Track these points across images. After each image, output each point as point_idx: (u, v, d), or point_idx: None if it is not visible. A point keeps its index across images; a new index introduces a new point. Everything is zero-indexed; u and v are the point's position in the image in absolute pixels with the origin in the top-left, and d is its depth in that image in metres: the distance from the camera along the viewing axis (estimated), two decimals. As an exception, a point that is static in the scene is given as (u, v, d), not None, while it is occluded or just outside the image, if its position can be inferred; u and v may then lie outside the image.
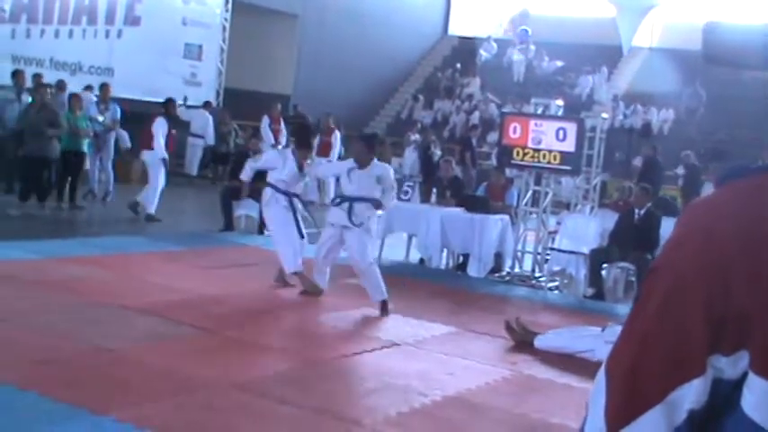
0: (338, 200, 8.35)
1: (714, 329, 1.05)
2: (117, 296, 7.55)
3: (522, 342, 7.29)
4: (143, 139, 13.13)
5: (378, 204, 8.21)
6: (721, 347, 1.06)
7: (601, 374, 1.14)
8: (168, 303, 7.51)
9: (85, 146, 12.94)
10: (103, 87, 14.41)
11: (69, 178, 12.79)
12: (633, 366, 1.11)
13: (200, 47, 19.82)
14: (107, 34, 17.82)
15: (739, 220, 1.07)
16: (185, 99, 17.80)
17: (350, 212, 8.10)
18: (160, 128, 12.81)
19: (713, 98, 22.99)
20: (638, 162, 18.60)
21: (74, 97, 13.15)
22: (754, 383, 1.04)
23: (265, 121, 18.47)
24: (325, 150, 16.75)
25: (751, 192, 1.09)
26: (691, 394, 1.07)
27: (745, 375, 1.06)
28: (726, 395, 1.06)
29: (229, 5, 20.34)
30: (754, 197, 1.08)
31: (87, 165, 13.77)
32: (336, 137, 17.34)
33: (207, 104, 18.77)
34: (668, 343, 1.09)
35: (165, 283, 8.34)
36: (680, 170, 18.73)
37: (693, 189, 16.88)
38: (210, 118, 18.67)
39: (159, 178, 12.78)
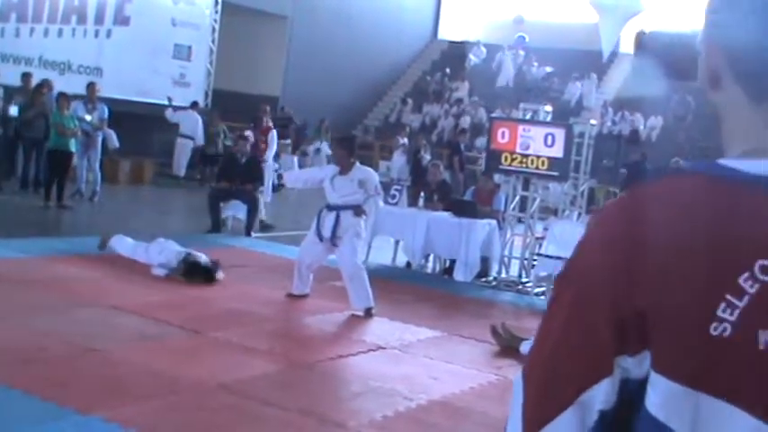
0: (324, 209, 8.30)
1: (617, 330, 1.07)
2: (104, 296, 7.55)
3: (508, 347, 7.33)
4: None
5: (360, 211, 8.16)
6: (626, 348, 1.07)
7: (518, 378, 1.16)
8: (155, 304, 7.51)
9: (73, 145, 12.92)
10: (90, 87, 14.39)
11: (57, 178, 12.76)
12: (546, 370, 1.14)
13: (190, 47, 19.81)
14: (96, 34, 17.80)
15: (637, 224, 1.09)
16: (170, 100, 17.75)
17: (336, 224, 8.08)
18: None
19: (701, 105, 23.11)
20: (624, 169, 18.70)
21: (61, 97, 13.14)
22: (656, 382, 1.06)
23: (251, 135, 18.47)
24: (259, 151, 14.95)
25: (653, 195, 1.11)
26: (600, 395, 1.09)
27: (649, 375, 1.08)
28: (633, 395, 1.08)
29: (219, 6, 20.34)
30: (654, 201, 1.11)
31: (75, 164, 13.74)
32: (273, 136, 15.29)
33: (194, 105, 18.76)
34: (577, 345, 1.11)
35: (152, 284, 8.34)
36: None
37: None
38: (200, 119, 18.66)
39: None
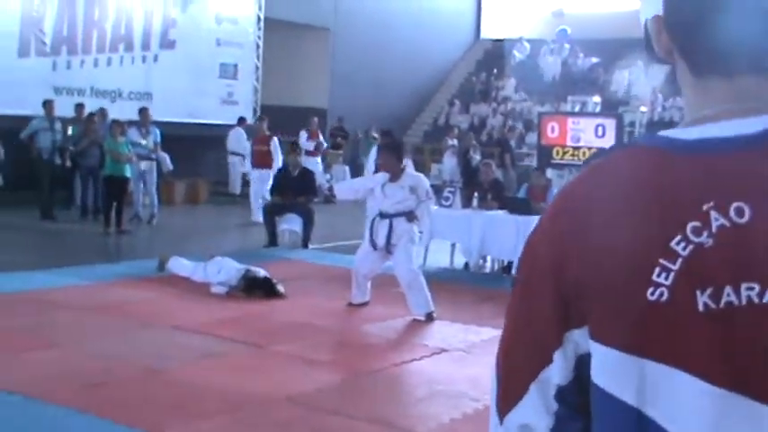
0: (377, 217, 8.30)
1: (560, 305, 1.09)
2: (166, 317, 7.65)
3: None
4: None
5: (412, 217, 8.12)
6: (571, 322, 1.09)
7: (492, 367, 1.18)
8: (216, 321, 7.59)
9: (128, 171, 13.14)
10: (143, 112, 14.63)
11: (114, 203, 12.97)
12: (507, 351, 1.16)
13: (236, 66, 20.02)
14: (144, 60, 18.07)
15: (578, 197, 1.12)
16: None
17: (389, 231, 8.07)
18: None
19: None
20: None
21: (114, 124, 13.37)
22: (594, 350, 1.08)
23: (303, 135, 18.59)
24: (261, 161, 15.10)
25: (591, 171, 1.14)
26: (556, 370, 1.11)
27: None
28: (588, 369, 1.10)
29: (261, 23, 20.52)
30: (596, 174, 1.13)
31: (131, 189, 13.97)
32: (275, 145, 15.23)
33: (241, 121, 18.88)
34: (529, 324, 1.13)
35: (212, 302, 8.42)
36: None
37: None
38: (244, 134, 18.79)
39: None
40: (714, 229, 1.03)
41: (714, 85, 1.11)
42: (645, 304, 1.04)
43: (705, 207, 1.04)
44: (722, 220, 1.03)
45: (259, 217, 14.59)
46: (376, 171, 12.39)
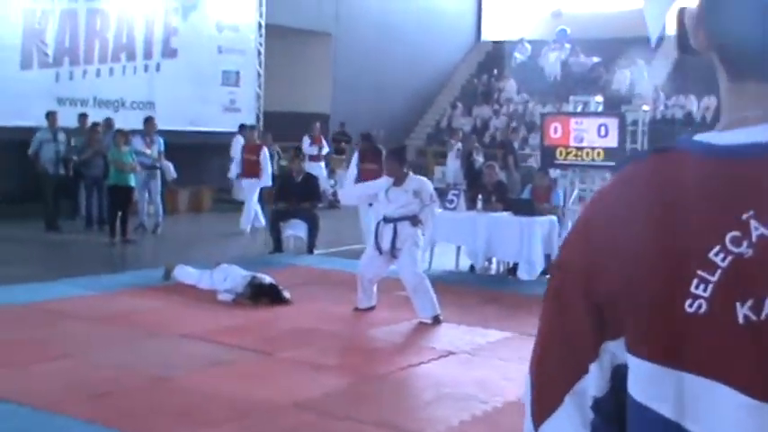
0: (382, 222, 8.30)
1: (595, 316, 1.06)
2: (172, 325, 7.66)
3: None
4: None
5: (416, 222, 8.11)
6: (607, 333, 1.07)
7: (526, 373, 1.17)
8: (223, 329, 7.60)
9: (132, 180, 13.16)
10: (149, 121, 14.66)
11: (119, 213, 12.99)
12: (541, 361, 1.14)
13: (238, 73, 20.04)
14: (146, 69, 18.11)
15: (610, 205, 1.09)
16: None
17: (394, 236, 8.08)
18: None
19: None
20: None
21: (118, 133, 13.40)
22: (631, 362, 1.05)
23: (306, 140, 18.61)
24: (250, 171, 14.96)
25: (625, 177, 1.11)
26: (592, 381, 1.08)
27: None
28: (625, 381, 1.08)
29: (263, 30, 20.55)
30: (629, 181, 1.10)
31: (136, 198, 13.99)
32: (264, 155, 15.15)
33: (242, 128, 18.88)
34: (562, 335, 1.11)
35: (218, 310, 8.43)
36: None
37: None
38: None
39: None
40: (754, 239, 1.00)
41: (751, 90, 1.09)
42: (683, 316, 1.01)
43: (745, 216, 1.01)
44: (762, 230, 1.00)
45: (248, 225, 14.58)
46: (358, 176, 12.43)
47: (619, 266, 1.05)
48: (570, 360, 1.10)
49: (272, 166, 18.60)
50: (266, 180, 14.91)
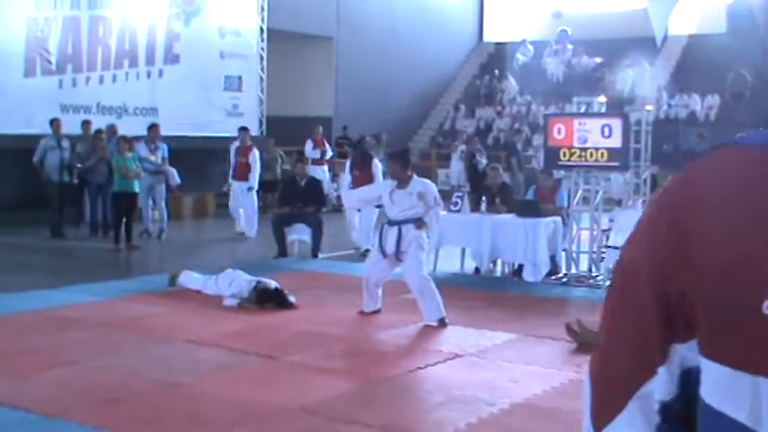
0: (385, 224, 8.30)
1: (665, 317, 1.03)
2: (179, 331, 7.67)
3: (585, 343, 7.25)
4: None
5: (421, 224, 8.10)
6: (677, 335, 1.03)
7: (586, 375, 1.13)
8: (230, 334, 7.61)
9: (137, 186, 13.18)
10: (153, 128, 14.69)
11: (124, 219, 13.01)
12: (604, 362, 1.10)
13: (240, 78, 20.08)
14: (149, 75, 18.15)
15: (680, 202, 1.05)
16: None
17: (399, 238, 8.08)
18: None
19: (758, 80, 22.64)
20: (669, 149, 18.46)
21: (121, 140, 13.42)
22: (704, 366, 1.01)
23: (309, 144, 18.64)
24: (242, 173, 14.80)
25: (698, 174, 1.07)
26: (659, 385, 1.04)
27: None
28: (695, 384, 1.03)
29: (264, 35, 20.57)
30: (700, 176, 1.06)
31: (140, 204, 14.00)
32: (254, 157, 14.95)
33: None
34: (629, 336, 1.07)
35: (224, 315, 8.43)
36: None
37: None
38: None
39: None
40: None
41: None
42: (759, 319, 0.96)
43: None
44: None
45: (241, 227, 14.61)
46: (352, 181, 12.49)
47: (690, 267, 1.01)
48: (637, 362, 1.06)
49: (278, 170, 18.67)
50: (253, 182, 14.84)
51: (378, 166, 13.00)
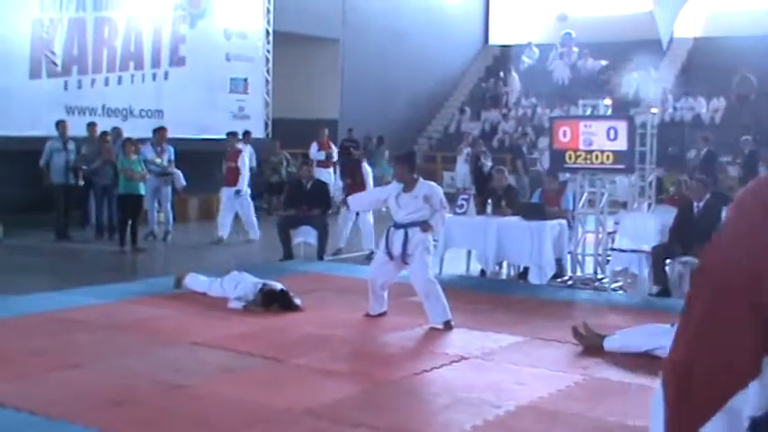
0: (392, 227, 8.28)
1: (761, 329, 0.97)
2: (184, 333, 7.67)
3: (592, 346, 7.24)
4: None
5: (427, 227, 8.06)
6: None
7: (658, 385, 1.08)
8: (235, 336, 7.60)
9: (142, 188, 13.19)
10: (160, 131, 14.69)
11: (129, 221, 13.03)
12: (687, 374, 1.04)
13: (246, 80, 20.09)
14: (154, 77, 18.17)
15: None
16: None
17: (405, 241, 8.06)
18: None
19: (764, 83, 22.62)
20: (691, 155, 18.45)
21: (127, 142, 13.43)
22: None
23: (314, 146, 18.64)
24: (232, 179, 14.48)
25: None
26: (749, 399, 0.99)
27: None
28: None
29: (270, 37, 20.59)
30: None
31: (146, 206, 14.01)
32: (242, 159, 14.61)
33: (246, 135, 18.86)
34: (718, 347, 1.00)
35: (230, 317, 8.43)
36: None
37: (757, 175, 16.70)
38: (250, 148, 18.73)
39: None
40: None
41: None
42: None
43: None
44: None
45: (224, 232, 14.13)
46: (345, 188, 12.53)
47: None
48: (726, 374, 1.00)
49: (283, 172, 18.68)
50: (241, 185, 14.38)
51: (367, 170, 13.05)
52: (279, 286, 8.89)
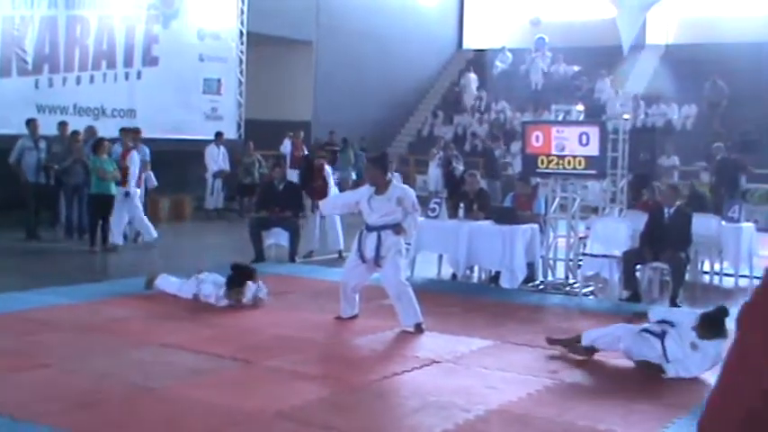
0: (364, 230, 8.26)
1: None
2: (154, 335, 7.62)
3: (569, 345, 7.24)
4: None
5: (400, 230, 8.04)
6: None
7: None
8: (206, 338, 7.57)
9: (114, 188, 13.07)
10: (132, 132, 14.59)
11: (100, 221, 12.93)
12: (734, 425, 0.99)
13: (219, 81, 20.03)
14: (127, 77, 18.06)
15: None
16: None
17: (378, 244, 8.06)
18: None
19: (735, 90, 22.84)
20: (662, 161, 18.61)
21: (99, 142, 13.32)
22: None
23: (286, 143, 18.60)
24: (124, 180, 13.32)
25: None
26: None
27: None
28: None
29: (244, 38, 20.53)
30: None
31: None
32: (133, 159, 13.63)
33: (219, 136, 18.79)
34: (745, 397, 0.97)
35: (200, 319, 8.39)
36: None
37: (729, 182, 16.91)
38: (223, 149, 18.68)
39: None
40: None
41: None
42: None
43: None
44: None
45: (114, 238, 13.13)
46: (311, 193, 12.56)
47: None
48: (750, 423, 0.96)
49: (256, 174, 18.60)
50: (130, 187, 13.40)
51: (328, 171, 13.05)
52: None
